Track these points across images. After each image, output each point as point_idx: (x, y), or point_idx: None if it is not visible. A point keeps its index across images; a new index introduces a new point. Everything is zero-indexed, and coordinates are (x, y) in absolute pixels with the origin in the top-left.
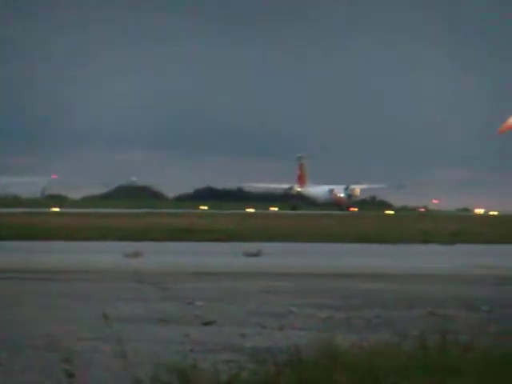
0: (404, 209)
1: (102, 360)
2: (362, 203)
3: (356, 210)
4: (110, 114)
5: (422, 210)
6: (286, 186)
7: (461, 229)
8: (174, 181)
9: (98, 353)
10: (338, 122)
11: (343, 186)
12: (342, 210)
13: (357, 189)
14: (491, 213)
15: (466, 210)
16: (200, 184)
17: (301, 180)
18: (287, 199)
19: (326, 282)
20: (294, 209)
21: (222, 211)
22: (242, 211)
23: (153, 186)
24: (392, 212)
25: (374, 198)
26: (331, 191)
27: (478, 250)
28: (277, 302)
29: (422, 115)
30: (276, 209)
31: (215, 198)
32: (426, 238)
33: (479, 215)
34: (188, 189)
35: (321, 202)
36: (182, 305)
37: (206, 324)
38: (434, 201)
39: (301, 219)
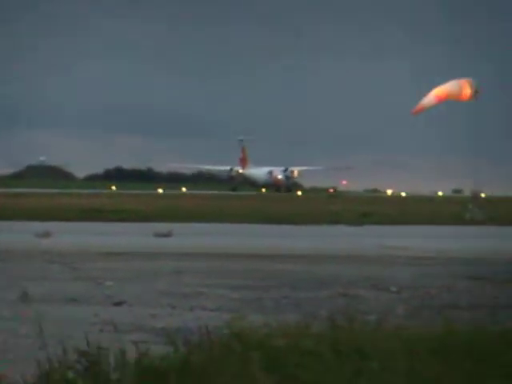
0: (314, 190)
1: (9, 340)
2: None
3: (297, 191)
4: (20, 92)
5: (331, 190)
6: (227, 167)
7: (370, 210)
8: (85, 161)
9: (6, 333)
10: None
11: (282, 168)
12: (279, 191)
13: (295, 171)
14: (401, 194)
15: (375, 191)
16: (112, 164)
17: (243, 162)
18: (230, 180)
19: (236, 262)
20: (233, 190)
21: (132, 191)
22: (154, 191)
23: (63, 166)
24: (300, 193)
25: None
26: (270, 173)
27: (387, 231)
28: (188, 283)
29: (344, 99)
30: (184, 189)
31: (125, 178)
32: (335, 219)
33: (389, 196)
34: (98, 169)
35: (261, 184)
36: (92, 285)
37: (116, 304)
38: (343, 182)
39: (216, 200)
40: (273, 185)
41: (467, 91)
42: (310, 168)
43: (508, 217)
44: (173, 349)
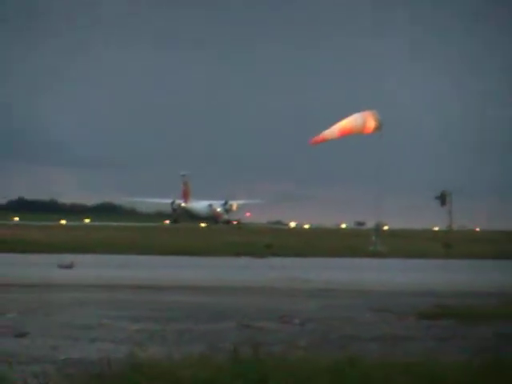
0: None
1: None
2: (176, 215)
3: (235, 222)
4: None
5: (235, 222)
6: (169, 200)
7: (273, 242)
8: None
9: None
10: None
11: (222, 202)
12: (217, 223)
13: (234, 204)
14: (305, 226)
15: (278, 223)
16: (15, 195)
17: (185, 196)
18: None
19: (138, 294)
20: (175, 222)
21: (36, 223)
22: (57, 223)
23: None
24: (203, 224)
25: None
26: (211, 206)
27: (291, 263)
28: (90, 314)
29: (262, 129)
30: (88, 220)
31: (27, 209)
32: (239, 251)
33: (292, 228)
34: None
35: (202, 216)
36: None
37: (18, 336)
38: (247, 214)
39: (123, 231)
40: (212, 217)
41: (371, 124)
42: (250, 201)
43: (409, 249)
44: (71, 381)
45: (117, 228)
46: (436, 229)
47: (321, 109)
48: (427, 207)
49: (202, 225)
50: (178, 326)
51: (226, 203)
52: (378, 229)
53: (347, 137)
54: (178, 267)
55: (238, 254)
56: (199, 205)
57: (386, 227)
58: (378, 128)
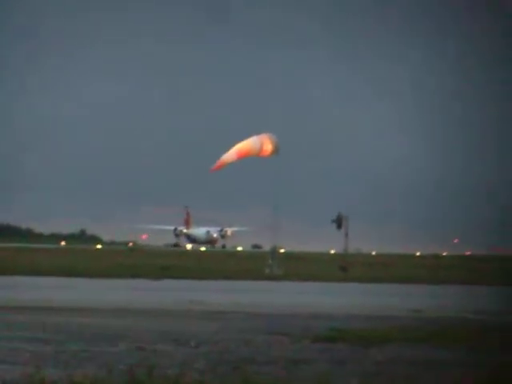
0: (113, 243)
1: None
2: (71, 237)
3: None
4: None
5: (130, 244)
6: (172, 227)
7: (170, 264)
8: None
9: None
10: None
11: (218, 228)
12: (213, 247)
13: (229, 230)
14: (202, 248)
15: (175, 245)
16: None
17: (187, 223)
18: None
19: (33, 315)
20: (175, 246)
21: None
22: None
23: None
24: (100, 246)
25: (83, 232)
26: (208, 232)
27: (187, 285)
28: None
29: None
30: None
31: None
32: (134, 273)
33: (189, 251)
34: None
35: (202, 241)
36: None
37: None
38: (143, 236)
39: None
40: (210, 242)
41: (268, 147)
42: (242, 228)
43: (306, 272)
44: None
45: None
46: (332, 252)
47: (214, 133)
48: (324, 230)
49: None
50: (73, 347)
51: (221, 230)
52: (274, 251)
53: (244, 159)
54: (73, 289)
55: (133, 276)
56: (199, 231)
57: (282, 250)
58: (275, 151)
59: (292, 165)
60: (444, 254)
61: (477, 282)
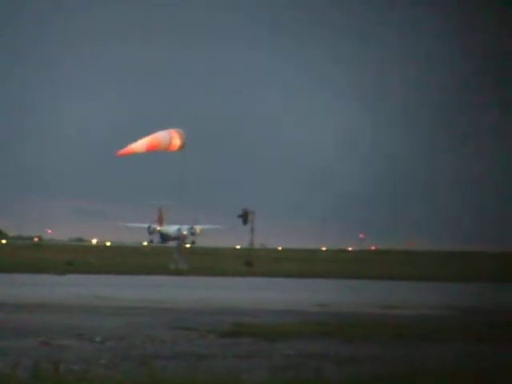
0: (20, 238)
1: None
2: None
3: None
4: None
5: (36, 239)
6: (146, 225)
7: (74, 259)
8: None
9: None
10: None
11: (188, 226)
12: (184, 243)
13: (198, 228)
14: (107, 243)
15: (80, 239)
16: None
17: (159, 221)
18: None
19: None
20: (151, 242)
21: None
22: None
23: None
24: (4, 241)
25: None
26: (179, 230)
27: (91, 281)
28: None
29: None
30: None
31: None
32: (39, 268)
33: (94, 245)
34: None
35: (173, 238)
36: None
37: None
38: (48, 231)
39: None
40: (179, 238)
41: (176, 142)
42: (209, 226)
43: (211, 267)
44: None
45: None
46: (238, 247)
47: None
48: (232, 226)
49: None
50: None
51: (191, 227)
52: (179, 247)
53: (152, 152)
54: None
55: (37, 271)
56: (170, 228)
57: (188, 245)
58: (183, 146)
59: (201, 158)
60: (350, 248)
61: (382, 276)
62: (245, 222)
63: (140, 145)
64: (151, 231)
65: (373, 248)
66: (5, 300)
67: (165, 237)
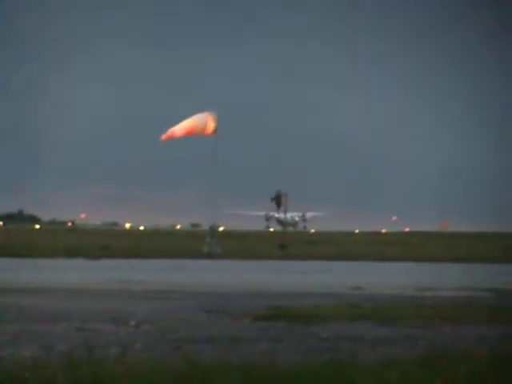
0: (53, 223)
1: None
2: (8, 217)
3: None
4: None
5: (70, 224)
6: (262, 213)
7: (109, 243)
8: None
9: None
10: None
11: (300, 214)
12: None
13: (308, 215)
14: (140, 227)
15: (114, 224)
16: None
17: (279, 208)
18: None
19: None
20: (267, 228)
21: None
22: None
23: None
24: (39, 226)
25: (21, 212)
26: (292, 217)
27: (126, 265)
28: None
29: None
30: None
31: None
32: (74, 252)
33: (128, 230)
34: None
35: (288, 224)
36: None
37: None
38: (82, 215)
39: None
40: (293, 225)
41: (211, 125)
42: (319, 213)
43: (245, 251)
44: None
45: None
46: (272, 230)
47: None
48: (265, 208)
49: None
50: (12, 327)
51: (302, 214)
52: (213, 230)
53: (190, 136)
54: (14, 269)
55: (72, 255)
56: (286, 215)
57: (221, 228)
58: (215, 130)
59: (229, 143)
60: (383, 231)
61: (418, 258)
62: (278, 204)
63: (179, 128)
64: (268, 218)
65: (407, 230)
66: (39, 285)
67: (282, 223)
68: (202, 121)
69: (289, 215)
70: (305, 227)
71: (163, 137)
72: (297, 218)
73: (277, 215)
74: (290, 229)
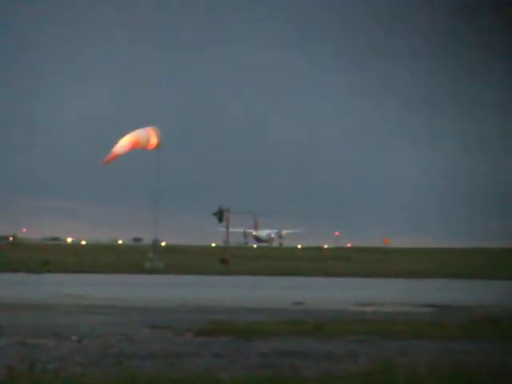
0: None
1: None
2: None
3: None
4: None
5: (11, 238)
6: (241, 230)
7: (50, 258)
8: None
9: None
10: None
11: (276, 230)
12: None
13: (284, 232)
14: (82, 242)
15: (55, 238)
16: None
17: (255, 227)
18: None
19: None
20: (246, 244)
21: None
22: None
23: None
24: None
25: None
26: (269, 234)
27: (67, 280)
28: None
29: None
30: None
31: None
32: (15, 267)
33: (70, 244)
34: None
35: (264, 241)
36: None
37: None
38: (23, 229)
39: None
40: (268, 241)
41: (154, 140)
42: (295, 231)
43: (187, 265)
44: None
45: None
46: (213, 245)
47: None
48: (207, 224)
49: None
50: None
51: (278, 231)
52: (155, 245)
53: (132, 151)
54: None
55: (14, 270)
56: (263, 232)
57: (163, 243)
58: (159, 145)
59: (173, 157)
60: (325, 246)
61: (356, 274)
62: (220, 219)
63: (121, 146)
64: (245, 235)
65: (349, 245)
66: None
67: (258, 239)
68: (145, 136)
69: (265, 232)
70: (280, 244)
71: (105, 160)
72: (273, 235)
73: (254, 232)
74: (265, 244)
